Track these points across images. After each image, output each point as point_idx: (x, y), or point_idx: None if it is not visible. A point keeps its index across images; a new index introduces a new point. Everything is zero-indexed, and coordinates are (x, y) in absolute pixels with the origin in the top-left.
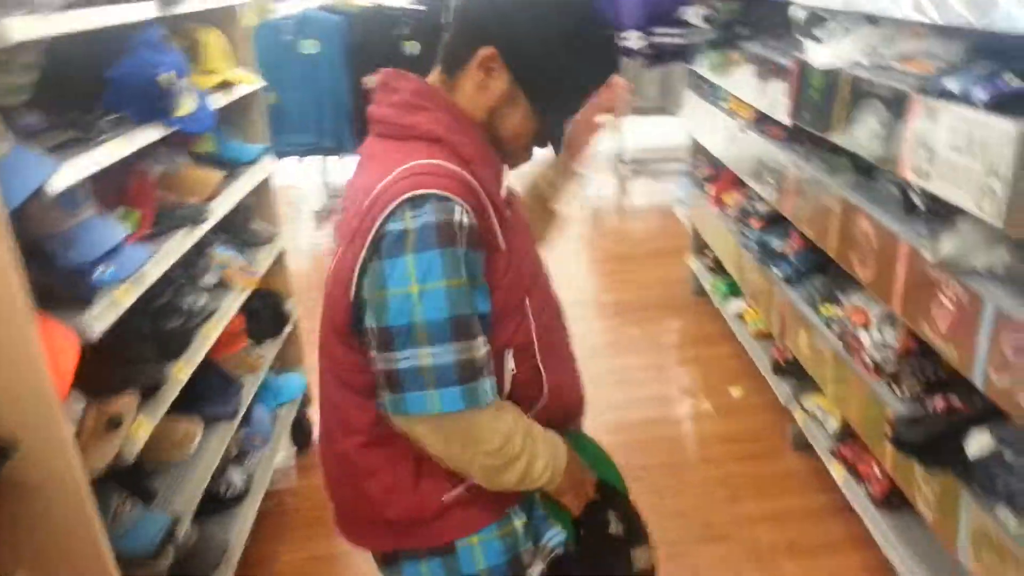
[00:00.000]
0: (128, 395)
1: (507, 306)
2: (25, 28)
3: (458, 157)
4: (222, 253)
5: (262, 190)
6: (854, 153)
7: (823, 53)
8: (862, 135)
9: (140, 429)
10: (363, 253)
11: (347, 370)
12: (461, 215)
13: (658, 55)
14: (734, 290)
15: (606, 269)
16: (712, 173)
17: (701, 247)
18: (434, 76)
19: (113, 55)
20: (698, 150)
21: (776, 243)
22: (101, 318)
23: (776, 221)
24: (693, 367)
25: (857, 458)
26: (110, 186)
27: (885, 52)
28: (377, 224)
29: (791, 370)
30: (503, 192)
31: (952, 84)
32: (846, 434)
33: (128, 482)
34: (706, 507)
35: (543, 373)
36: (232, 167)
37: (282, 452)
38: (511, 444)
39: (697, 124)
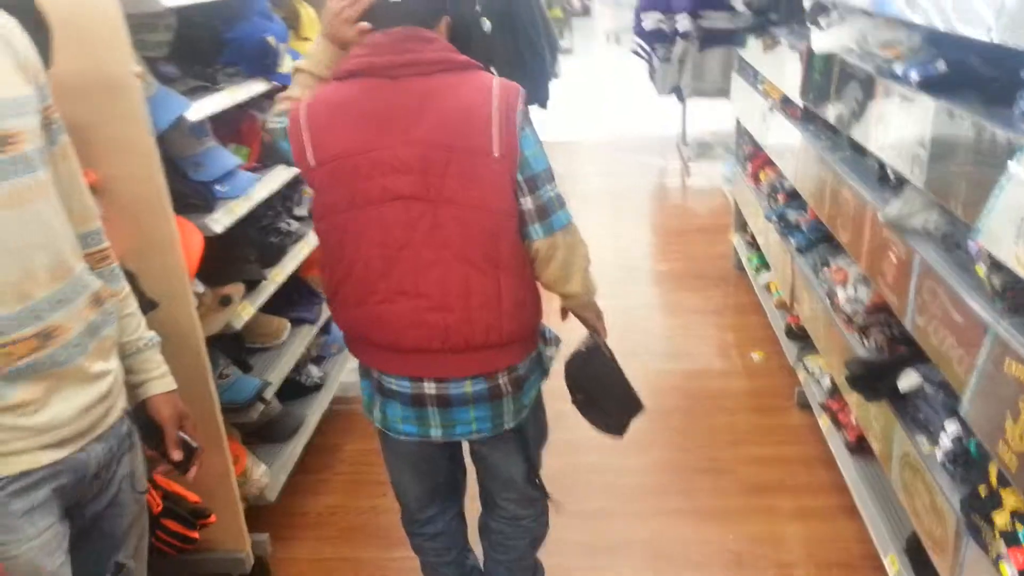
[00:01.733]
0: (236, 284)
1: None
2: None
3: None
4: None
5: None
6: None
7: (823, 39)
8: (845, 113)
9: (244, 310)
10: (516, 130)
11: (511, 255)
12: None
13: (706, 38)
14: (765, 263)
15: (663, 241)
16: (752, 152)
17: (743, 224)
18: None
19: (227, 21)
20: (742, 131)
21: (793, 215)
22: (220, 221)
23: (797, 195)
24: (726, 331)
25: (839, 409)
26: (225, 127)
27: (871, 39)
28: (516, 111)
29: (800, 334)
30: None
31: (898, 67)
32: (836, 390)
33: (233, 354)
34: (712, 445)
35: None
36: None
37: (351, 368)
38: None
39: (741, 106)
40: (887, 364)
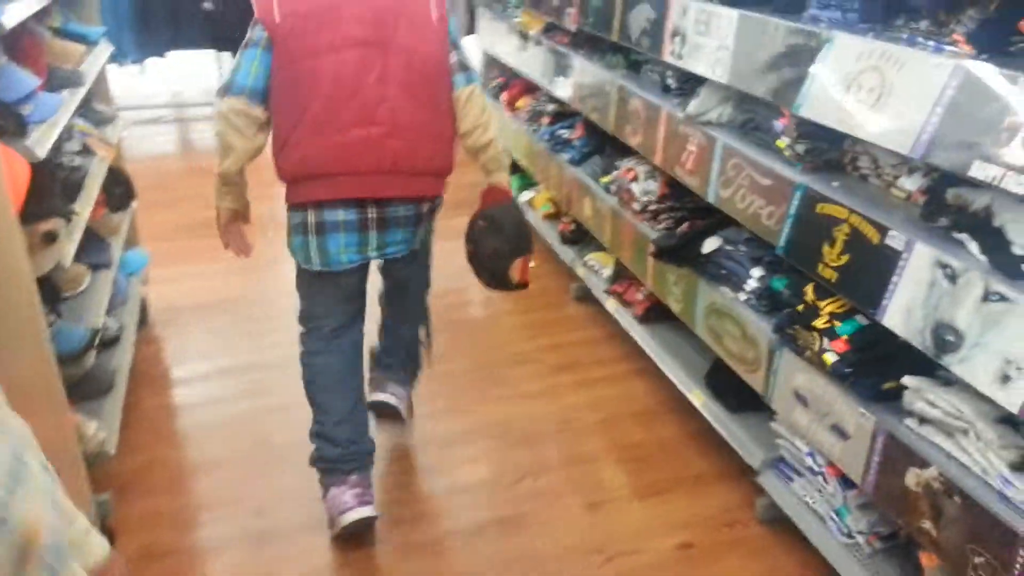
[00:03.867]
0: (55, 219)
1: None
2: None
3: None
4: (82, 123)
5: (101, 73)
6: (626, 51)
7: None
8: (635, 33)
9: (65, 246)
10: (447, 17)
11: (444, 98)
12: None
13: None
14: (525, 183)
15: None
16: (503, 82)
17: None
18: None
19: None
20: (491, 63)
21: (564, 133)
22: (39, 145)
23: (563, 116)
24: None
25: (625, 290)
26: (7, 48)
27: None
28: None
29: (574, 238)
30: None
31: None
32: (617, 276)
33: (49, 301)
34: (514, 342)
35: None
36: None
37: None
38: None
39: (490, 40)
40: (692, 235)
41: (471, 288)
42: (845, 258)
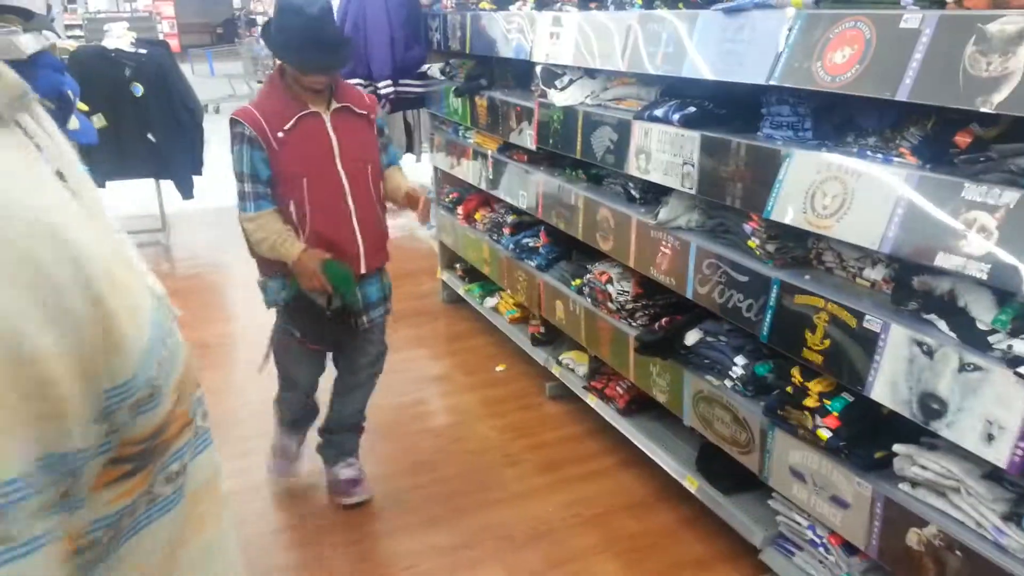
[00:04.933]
0: None
1: (285, 177)
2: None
3: (256, 106)
4: None
5: None
6: (586, 166)
7: (561, 96)
8: (599, 151)
9: None
10: None
11: None
12: (243, 129)
13: (398, 101)
14: (488, 290)
15: None
16: (457, 197)
17: (451, 262)
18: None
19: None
20: (444, 179)
21: (529, 242)
22: None
23: (524, 226)
24: (457, 356)
25: (605, 385)
26: None
27: (603, 96)
28: None
29: (546, 339)
30: (288, 123)
31: (658, 112)
32: (595, 372)
33: None
34: (497, 445)
35: (308, 221)
36: None
37: None
38: (256, 234)
39: (442, 158)
40: (673, 329)
41: (435, 397)
42: (827, 342)
